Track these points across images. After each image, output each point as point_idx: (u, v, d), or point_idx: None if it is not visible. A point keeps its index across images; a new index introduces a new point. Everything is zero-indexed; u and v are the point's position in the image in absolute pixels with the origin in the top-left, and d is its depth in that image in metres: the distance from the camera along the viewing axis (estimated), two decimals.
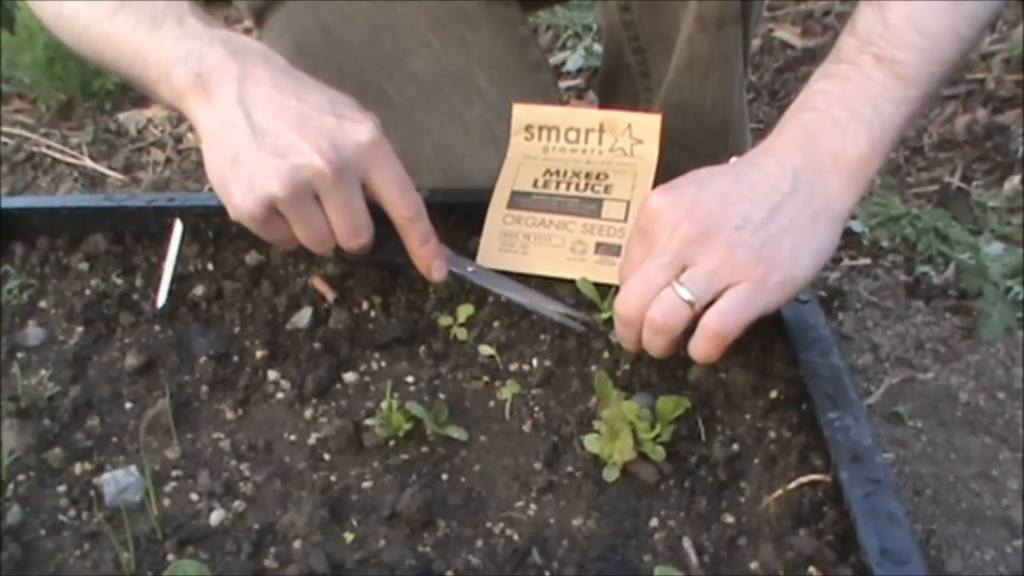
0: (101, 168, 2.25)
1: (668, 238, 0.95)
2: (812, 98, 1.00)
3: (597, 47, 2.42)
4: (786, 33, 2.46)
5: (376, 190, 1.04)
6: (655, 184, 1.15)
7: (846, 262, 1.79)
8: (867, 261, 1.80)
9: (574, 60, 2.44)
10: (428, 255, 1.09)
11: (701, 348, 0.94)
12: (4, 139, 2.35)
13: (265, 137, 1.00)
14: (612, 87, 1.65)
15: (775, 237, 0.94)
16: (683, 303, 0.93)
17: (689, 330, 0.95)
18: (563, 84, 2.37)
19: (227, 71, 1.02)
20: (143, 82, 1.08)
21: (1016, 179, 1.94)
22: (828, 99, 0.99)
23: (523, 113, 1.22)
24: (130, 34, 1.06)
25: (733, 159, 1.05)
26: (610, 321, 1.03)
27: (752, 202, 0.95)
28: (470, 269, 1.12)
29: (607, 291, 1.08)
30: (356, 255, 1.08)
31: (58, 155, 2.29)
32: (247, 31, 2.20)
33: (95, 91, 2.41)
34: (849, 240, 1.82)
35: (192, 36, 1.04)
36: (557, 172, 1.19)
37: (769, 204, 0.95)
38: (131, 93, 2.39)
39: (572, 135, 1.20)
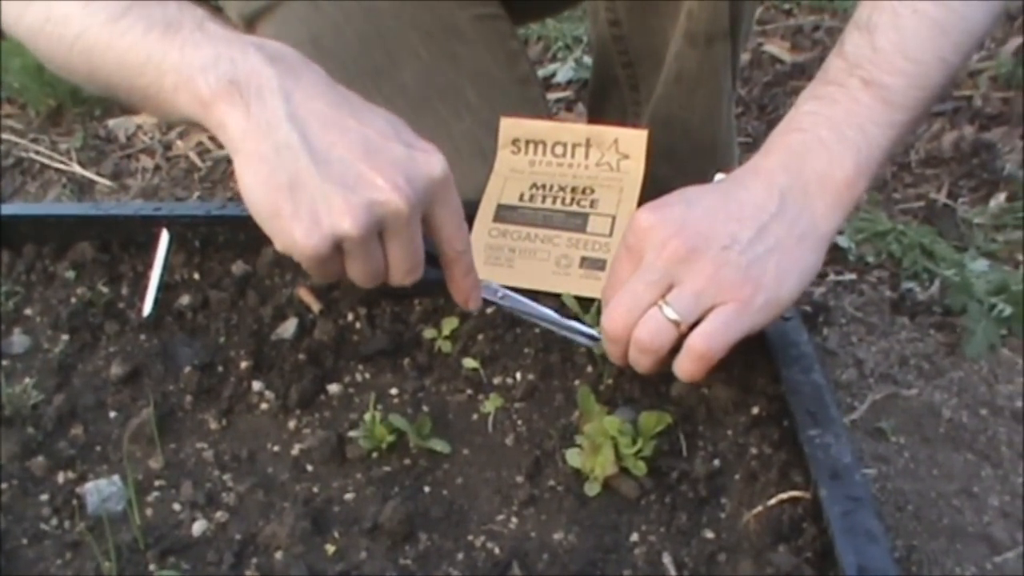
0: (90, 174, 2.24)
1: (655, 256, 0.95)
2: (800, 119, 1.01)
3: (587, 59, 2.42)
4: (775, 48, 2.47)
5: (435, 223, 0.97)
6: (641, 199, 1.16)
7: (831, 277, 1.79)
8: (852, 276, 1.80)
9: (564, 72, 2.45)
10: (470, 286, 1.04)
11: (686, 368, 0.95)
12: None
13: (328, 165, 0.90)
14: (601, 100, 1.66)
15: (761, 258, 0.94)
16: (669, 323, 0.94)
17: (675, 347, 0.95)
18: (553, 96, 2.38)
19: (267, 78, 0.92)
20: (152, 92, 0.96)
21: (1002, 196, 1.95)
22: (816, 120, 0.99)
23: (510, 127, 1.23)
24: (138, 39, 0.94)
25: (719, 174, 1.05)
26: None
27: (740, 222, 0.95)
28: (500, 295, 1.10)
29: (590, 305, 1.08)
30: (399, 288, 1.01)
31: (47, 161, 2.29)
32: None
33: (85, 97, 2.40)
34: (835, 255, 1.82)
35: (219, 40, 0.94)
36: (543, 186, 1.20)
37: (756, 224, 0.95)
38: None
39: (559, 149, 1.21)
